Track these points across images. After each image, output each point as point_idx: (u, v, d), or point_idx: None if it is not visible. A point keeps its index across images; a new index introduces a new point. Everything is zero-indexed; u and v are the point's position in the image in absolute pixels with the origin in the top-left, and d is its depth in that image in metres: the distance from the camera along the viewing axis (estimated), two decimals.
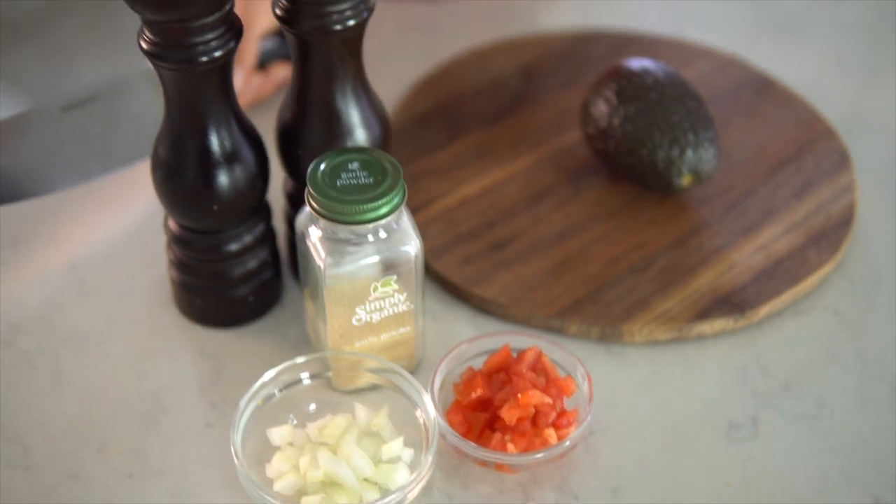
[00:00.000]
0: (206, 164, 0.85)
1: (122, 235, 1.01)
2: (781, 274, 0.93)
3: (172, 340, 0.92)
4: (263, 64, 1.10)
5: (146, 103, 1.02)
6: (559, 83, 1.12)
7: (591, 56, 1.15)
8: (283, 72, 1.11)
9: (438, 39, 1.20)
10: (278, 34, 1.11)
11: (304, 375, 0.85)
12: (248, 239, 0.90)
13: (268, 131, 0.91)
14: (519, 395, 0.80)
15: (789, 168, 1.03)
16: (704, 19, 1.23)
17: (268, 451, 0.82)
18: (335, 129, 0.87)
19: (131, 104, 1.02)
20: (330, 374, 0.85)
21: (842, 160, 1.03)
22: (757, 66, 1.14)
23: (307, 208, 0.83)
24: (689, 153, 0.96)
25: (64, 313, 0.94)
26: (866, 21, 1.25)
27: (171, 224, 0.90)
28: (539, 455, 0.80)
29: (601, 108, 0.99)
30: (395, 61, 1.15)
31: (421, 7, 1.24)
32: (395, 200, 0.81)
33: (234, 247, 0.90)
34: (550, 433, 0.80)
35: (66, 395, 0.88)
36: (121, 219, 1.02)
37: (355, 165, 0.82)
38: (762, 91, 1.11)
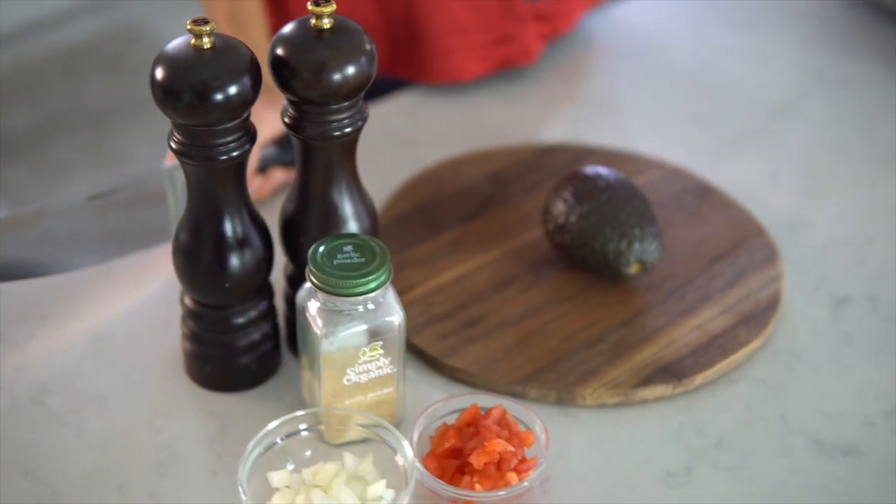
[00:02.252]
0: (221, 247, 0.99)
1: (138, 312, 1.14)
2: (715, 349, 1.08)
3: (183, 402, 1.05)
4: (263, 168, 1.25)
5: (158, 198, 1.17)
6: (524, 189, 1.28)
7: (553, 165, 1.30)
8: (280, 176, 1.26)
9: (418, 150, 1.35)
10: (277, 143, 1.26)
11: (302, 426, 0.98)
12: (253, 314, 1.04)
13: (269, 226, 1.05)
14: (486, 444, 0.94)
15: (724, 261, 1.18)
16: (656, 136, 1.40)
17: (268, 492, 0.95)
18: (332, 221, 1.02)
19: (145, 198, 1.17)
20: (322, 427, 0.99)
21: (771, 255, 1.19)
22: (699, 176, 1.30)
23: (307, 285, 0.97)
24: (636, 245, 1.11)
25: (87, 378, 1.07)
26: (798, 137, 1.41)
27: (187, 300, 1.04)
28: (502, 493, 0.93)
29: (560, 207, 1.14)
30: (381, 168, 1.30)
31: (404, 121, 1.40)
32: (383, 277, 0.95)
33: (240, 320, 1.04)
34: (513, 476, 0.94)
35: (89, 446, 1.01)
36: (136, 297, 1.16)
37: (349, 248, 0.96)
38: (703, 196, 1.27)
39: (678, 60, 1.55)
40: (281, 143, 1.26)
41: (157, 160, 1.19)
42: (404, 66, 1.44)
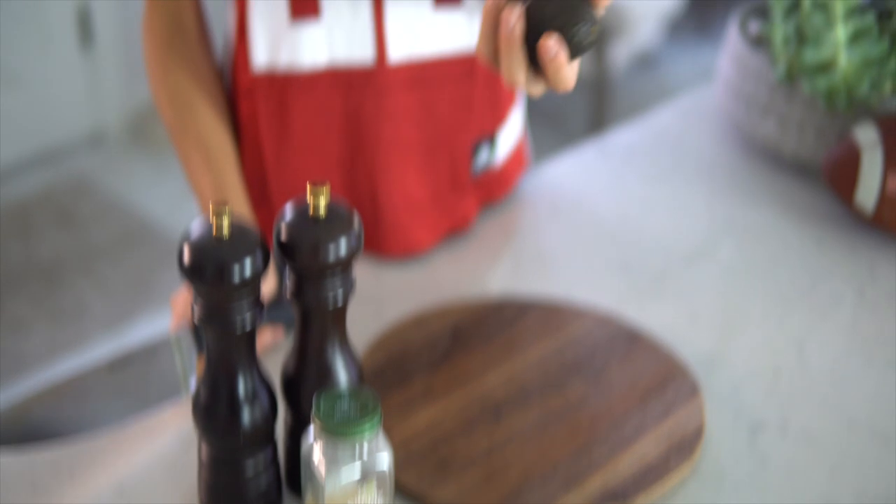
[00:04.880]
0: (234, 403, 1.17)
1: (155, 465, 1.31)
2: (651, 474, 1.28)
3: None
4: None
5: (168, 365, 1.35)
6: (480, 339, 1.48)
7: (503, 318, 1.50)
8: (267, 335, 1.45)
9: (381, 306, 1.55)
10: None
11: None
12: (261, 462, 1.21)
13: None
14: None
15: (654, 397, 1.38)
16: (588, 285, 1.60)
17: None
18: (326, 377, 1.20)
19: (157, 365, 1.34)
20: None
21: (693, 389, 1.39)
22: (628, 320, 1.51)
23: (310, 434, 1.15)
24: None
25: None
26: (712, 280, 1.63)
27: (203, 453, 1.21)
28: None
29: None
30: (355, 325, 1.49)
31: (364, 279, 1.60)
32: (375, 420, 1.13)
33: (250, 470, 1.21)
34: None
35: None
36: (152, 452, 1.32)
37: (347, 398, 1.15)
38: (632, 341, 1.47)
39: (603, 214, 1.76)
40: (268, 305, 1.45)
41: (113, 315, 1.37)
42: (367, 243, 1.63)
